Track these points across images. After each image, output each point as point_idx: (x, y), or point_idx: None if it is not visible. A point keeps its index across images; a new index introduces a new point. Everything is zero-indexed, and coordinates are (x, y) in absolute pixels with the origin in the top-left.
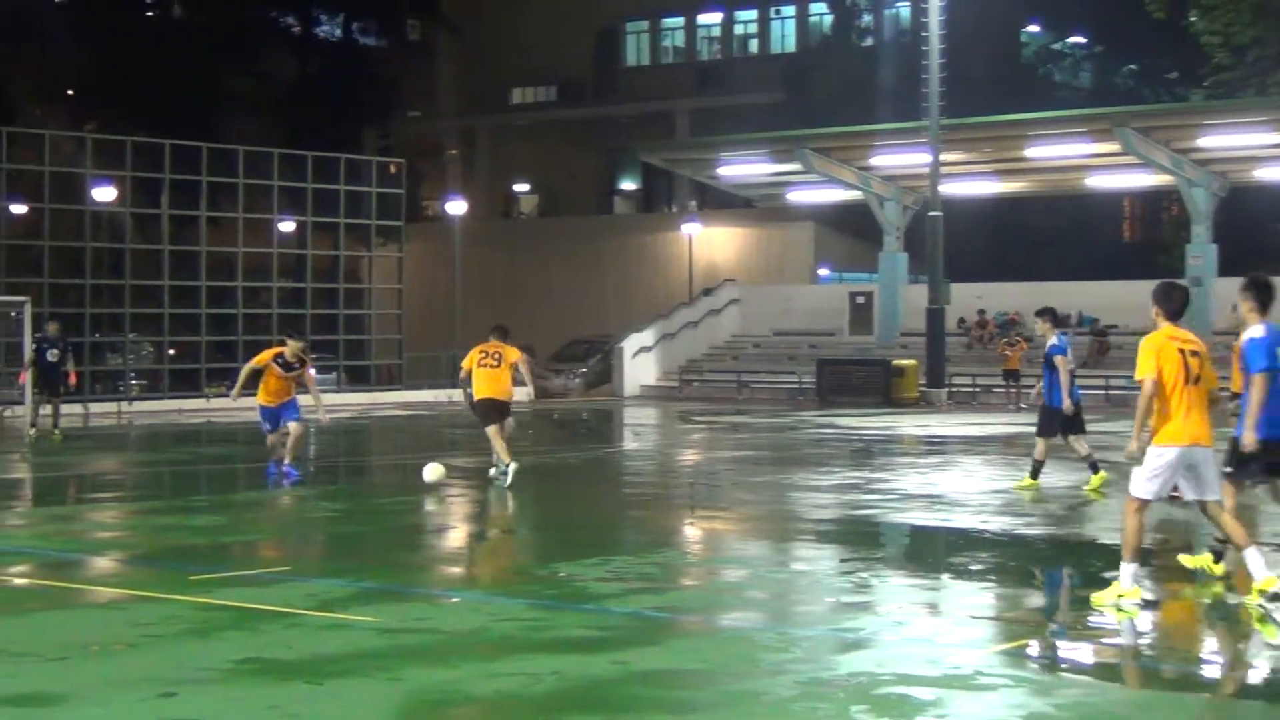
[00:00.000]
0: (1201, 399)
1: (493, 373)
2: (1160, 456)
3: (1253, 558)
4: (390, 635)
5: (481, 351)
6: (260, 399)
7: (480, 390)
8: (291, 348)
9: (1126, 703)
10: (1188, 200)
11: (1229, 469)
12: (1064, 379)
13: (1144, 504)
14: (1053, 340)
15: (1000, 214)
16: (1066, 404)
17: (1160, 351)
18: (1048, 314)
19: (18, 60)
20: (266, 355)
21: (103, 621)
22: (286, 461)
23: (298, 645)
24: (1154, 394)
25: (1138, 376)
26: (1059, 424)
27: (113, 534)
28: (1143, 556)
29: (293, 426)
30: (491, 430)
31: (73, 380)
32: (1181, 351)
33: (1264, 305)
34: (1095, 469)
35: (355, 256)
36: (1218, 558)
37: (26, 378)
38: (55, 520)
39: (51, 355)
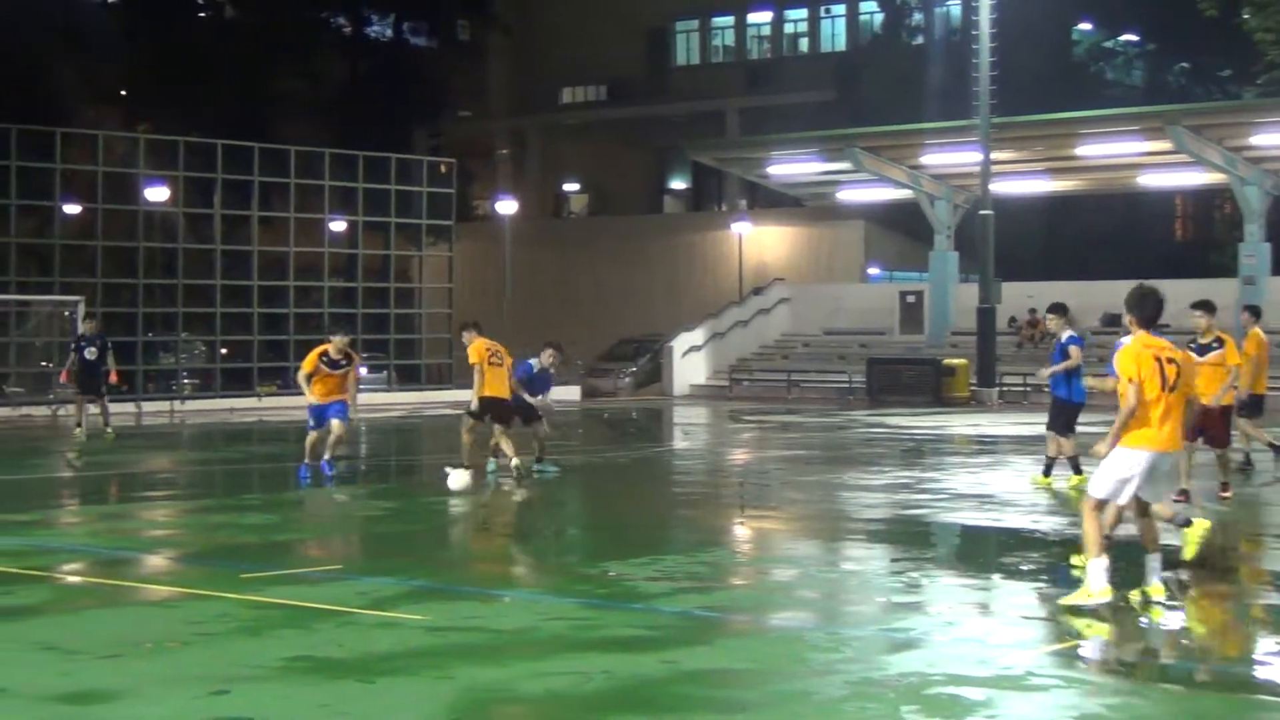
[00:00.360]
0: (1180, 406)
1: (500, 371)
2: (1131, 460)
3: (1096, 568)
4: (440, 634)
5: (489, 350)
6: (311, 396)
7: (493, 389)
8: (336, 344)
9: (1178, 704)
10: (1240, 199)
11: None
12: (1064, 366)
13: (1100, 504)
14: (1070, 333)
15: (1051, 212)
16: (1042, 373)
17: (1138, 359)
18: (1060, 309)
19: (71, 61)
20: (312, 357)
21: (155, 619)
22: (326, 457)
23: (349, 643)
24: (1136, 402)
25: (1120, 376)
26: (1070, 416)
27: (165, 532)
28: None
29: (335, 424)
30: (501, 431)
31: (113, 378)
32: (1158, 359)
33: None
34: (1078, 469)
35: (406, 256)
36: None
37: (67, 376)
38: (108, 518)
39: (90, 353)
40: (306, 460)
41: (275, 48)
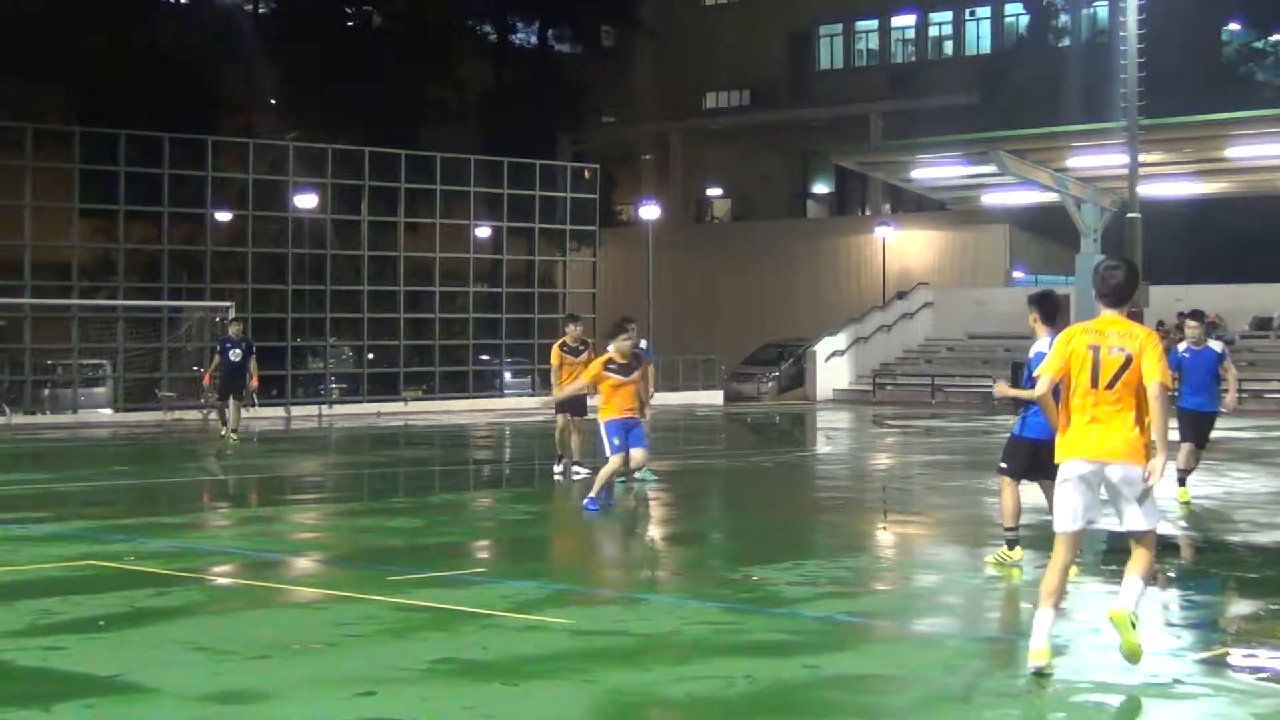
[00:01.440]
0: (1121, 405)
1: None
2: (1059, 477)
3: (1039, 621)
4: (584, 637)
5: None
6: (605, 414)
7: None
8: (621, 348)
9: None
10: None
11: (1003, 465)
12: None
13: (1069, 536)
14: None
15: (1200, 215)
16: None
17: (1068, 345)
18: (1200, 317)
19: (223, 70)
20: (597, 368)
21: (303, 621)
22: (593, 493)
23: (493, 646)
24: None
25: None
26: (1188, 426)
27: (312, 535)
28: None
29: (637, 455)
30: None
31: (254, 383)
32: (1094, 348)
33: (1048, 318)
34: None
35: (550, 261)
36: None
37: (210, 380)
38: (256, 521)
39: (234, 355)
40: (594, 493)
41: (422, 56)
